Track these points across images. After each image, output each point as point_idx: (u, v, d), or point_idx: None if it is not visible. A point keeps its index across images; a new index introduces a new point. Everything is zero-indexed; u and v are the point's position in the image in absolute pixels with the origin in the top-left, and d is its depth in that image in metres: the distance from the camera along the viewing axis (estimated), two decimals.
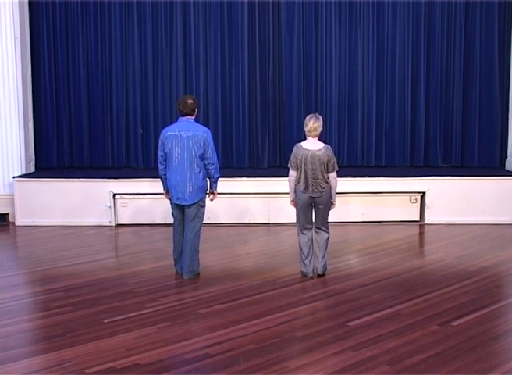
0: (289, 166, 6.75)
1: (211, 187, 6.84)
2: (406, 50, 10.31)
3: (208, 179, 6.78)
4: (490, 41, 10.18)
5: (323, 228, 6.79)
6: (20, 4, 9.76)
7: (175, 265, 6.95)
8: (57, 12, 10.20)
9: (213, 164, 6.65)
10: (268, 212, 9.42)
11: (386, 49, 10.32)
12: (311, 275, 6.74)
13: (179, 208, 6.76)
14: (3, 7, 9.56)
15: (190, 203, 6.64)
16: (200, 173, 6.63)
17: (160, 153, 6.71)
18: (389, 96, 10.39)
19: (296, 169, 6.64)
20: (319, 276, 6.77)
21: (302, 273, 6.81)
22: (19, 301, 6.18)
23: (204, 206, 6.80)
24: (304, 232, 6.76)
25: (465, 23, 10.24)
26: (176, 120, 6.82)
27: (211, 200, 6.94)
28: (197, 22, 10.24)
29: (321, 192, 6.60)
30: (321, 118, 6.66)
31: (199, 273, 6.85)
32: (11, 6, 9.58)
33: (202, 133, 6.60)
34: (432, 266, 7.26)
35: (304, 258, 6.77)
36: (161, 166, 6.75)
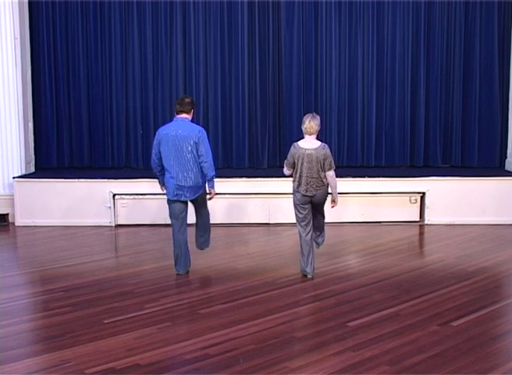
0: (284, 164, 6.80)
1: (208, 185, 6.87)
2: (406, 50, 10.31)
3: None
4: (490, 41, 10.18)
5: (319, 229, 6.90)
6: (20, 4, 9.75)
7: (175, 265, 6.95)
8: (57, 12, 10.19)
9: (206, 162, 6.66)
10: (268, 213, 9.42)
11: (386, 49, 10.32)
12: (310, 275, 6.75)
13: (180, 205, 6.77)
14: (3, 7, 9.55)
15: (192, 198, 6.76)
16: (198, 172, 6.69)
17: (154, 151, 6.75)
18: (388, 96, 10.38)
19: (293, 168, 6.67)
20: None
21: (302, 271, 6.83)
22: (19, 301, 6.18)
23: (206, 193, 6.96)
24: (303, 231, 6.77)
25: (465, 23, 10.24)
26: (172, 119, 6.87)
27: (209, 199, 6.98)
28: (197, 22, 10.23)
29: (316, 190, 6.61)
30: (318, 117, 6.70)
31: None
32: (11, 6, 9.57)
33: (197, 132, 6.66)
34: (431, 267, 7.26)
35: (303, 257, 6.78)
36: (154, 164, 6.84)
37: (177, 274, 6.90)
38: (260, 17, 10.25)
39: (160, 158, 6.72)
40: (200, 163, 6.67)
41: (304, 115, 6.88)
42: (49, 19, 10.21)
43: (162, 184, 6.95)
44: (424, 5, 10.20)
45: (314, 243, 6.88)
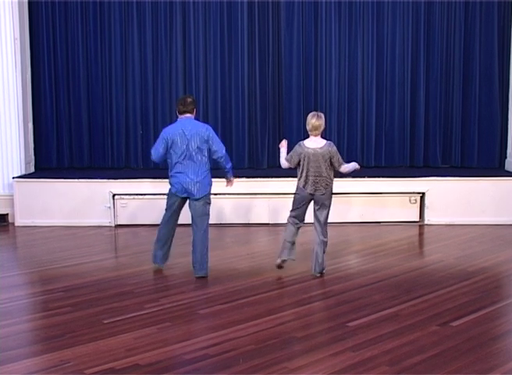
0: (284, 158, 6.83)
1: (226, 177, 7.06)
2: (405, 50, 10.31)
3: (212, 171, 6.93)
4: (490, 41, 10.18)
5: (322, 232, 6.77)
6: (20, 4, 9.75)
7: (154, 259, 7.01)
8: (56, 12, 10.19)
9: (222, 156, 6.80)
10: (268, 213, 9.41)
11: (386, 49, 10.32)
12: (281, 259, 6.84)
13: (180, 201, 6.82)
14: (2, 8, 9.55)
15: (198, 197, 6.71)
16: (206, 170, 6.74)
17: (158, 153, 6.78)
18: (388, 96, 10.39)
19: (298, 165, 6.70)
20: (318, 276, 6.80)
21: (281, 260, 6.89)
22: (19, 301, 6.18)
23: (210, 203, 6.89)
24: (292, 225, 6.85)
25: (465, 23, 10.24)
26: (176, 120, 6.88)
27: (227, 186, 7.17)
28: (197, 22, 10.23)
29: (325, 188, 6.65)
30: (323, 116, 6.73)
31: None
32: (10, 7, 9.57)
33: (205, 130, 6.73)
34: (431, 267, 7.26)
35: (283, 246, 6.87)
36: (158, 160, 6.95)
37: (154, 263, 7.01)
38: (260, 17, 10.25)
39: (163, 159, 6.85)
40: (216, 159, 6.83)
41: (305, 115, 6.89)
42: (49, 20, 10.21)
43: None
44: (424, 5, 10.20)
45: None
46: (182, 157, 6.65)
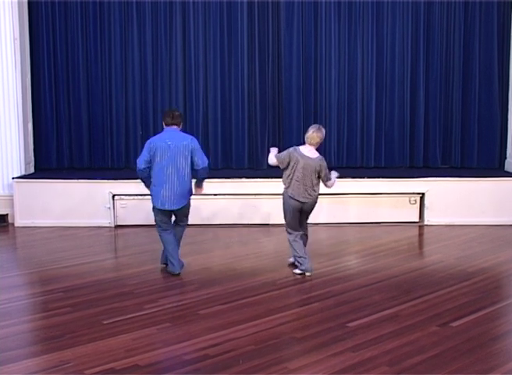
0: (274, 155, 6.90)
1: (198, 184, 7.00)
2: (405, 50, 10.31)
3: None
4: (490, 41, 10.19)
5: (306, 228, 7.04)
6: (19, 4, 9.75)
7: (172, 268, 6.93)
8: (56, 12, 10.18)
9: (202, 169, 6.84)
10: (268, 213, 9.41)
11: (386, 50, 10.32)
12: (309, 273, 6.79)
13: (167, 213, 6.88)
14: (2, 8, 9.54)
15: (179, 208, 6.80)
16: (187, 181, 6.80)
17: (145, 158, 6.82)
18: (388, 97, 10.39)
19: (287, 166, 6.77)
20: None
21: (302, 271, 6.85)
22: (19, 302, 6.18)
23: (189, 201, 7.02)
24: (293, 234, 6.89)
25: (465, 23, 10.24)
26: (162, 130, 6.97)
27: (197, 193, 7.07)
28: (197, 23, 10.23)
29: (308, 198, 6.77)
30: (323, 131, 6.87)
31: None
32: (10, 7, 9.57)
33: (190, 140, 6.80)
34: (431, 267, 7.26)
35: (298, 257, 6.85)
36: (142, 172, 6.90)
37: (172, 275, 6.91)
38: (259, 18, 10.25)
39: (149, 167, 6.84)
40: (197, 170, 6.84)
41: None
42: (49, 20, 10.20)
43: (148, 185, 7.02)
44: (423, 5, 10.21)
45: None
46: (164, 169, 6.70)
